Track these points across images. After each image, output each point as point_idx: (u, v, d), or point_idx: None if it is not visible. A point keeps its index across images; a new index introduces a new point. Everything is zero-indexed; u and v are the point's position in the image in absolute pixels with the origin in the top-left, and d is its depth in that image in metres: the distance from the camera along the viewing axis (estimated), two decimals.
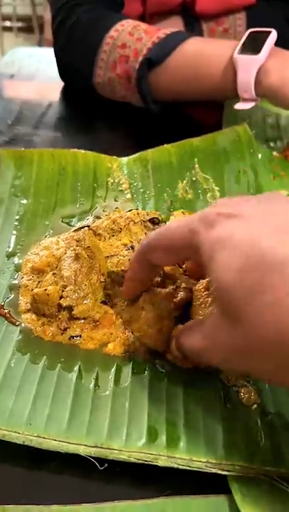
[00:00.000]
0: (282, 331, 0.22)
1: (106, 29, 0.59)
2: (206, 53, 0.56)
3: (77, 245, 0.37)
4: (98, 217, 0.43)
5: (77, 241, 0.37)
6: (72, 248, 0.37)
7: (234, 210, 0.26)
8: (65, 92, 0.70)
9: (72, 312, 0.34)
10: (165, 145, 0.49)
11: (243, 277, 0.23)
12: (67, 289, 0.35)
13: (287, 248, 0.23)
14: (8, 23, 3.28)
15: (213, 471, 0.27)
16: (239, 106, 0.54)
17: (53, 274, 0.36)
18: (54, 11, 0.65)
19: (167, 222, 0.42)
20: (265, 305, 0.22)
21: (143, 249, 0.31)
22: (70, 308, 0.34)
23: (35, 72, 0.77)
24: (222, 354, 0.26)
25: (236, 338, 0.24)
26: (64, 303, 0.34)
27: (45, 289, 0.34)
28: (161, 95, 0.59)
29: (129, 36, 0.58)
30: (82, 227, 0.40)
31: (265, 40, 0.52)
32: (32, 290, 0.36)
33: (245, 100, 0.54)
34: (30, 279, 0.38)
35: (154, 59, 0.56)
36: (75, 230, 0.41)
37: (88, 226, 0.41)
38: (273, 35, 0.52)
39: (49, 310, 0.35)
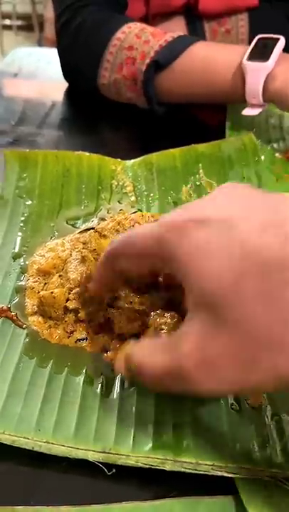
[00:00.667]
0: None
1: (112, 31, 0.60)
2: (214, 58, 0.56)
3: (83, 248, 0.37)
4: (103, 219, 0.44)
5: (84, 243, 0.37)
6: (77, 250, 0.37)
7: (204, 214, 0.24)
8: (68, 92, 0.70)
9: (78, 315, 0.34)
10: (170, 149, 0.49)
11: (240, 281, 0.22)
12: (73, 291, 0.35)
13: (283, 243, 0.21)
14: (7, 22, 3.27)
15: (220, 473, 0.27)
16: (247, 112, 0.55)
17: (59, 276, 0.36)
18: (59, 12, 0.65)
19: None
20: (274, 306, 0.21)
21: (108, 256, 0.29)
22: (76, 311, 0.35)
23: (36, 72, 0.77)
24: (218, 371, 0.23)
25: (237, 347, 0.22)
26: (70, 305, 0.34)
27: (52, 292, 0.35)
28: (167, 98, 0.60)
29: (137, 39, 0.58)
30: (88, 229, 0.41)
31: (273, 47, 0.52)
32: (38, 292, 0.36)
33: (253, 106, 0.55)
34: (36, 281, 0.38)
35: (162, 62, 0.56)
36: (80, 232, 0.41)
37: (93, 228, 0.41)
38: (282, 42, 0.53)
39: (56, 312, 0.35)
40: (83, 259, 0.36)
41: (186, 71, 0.57)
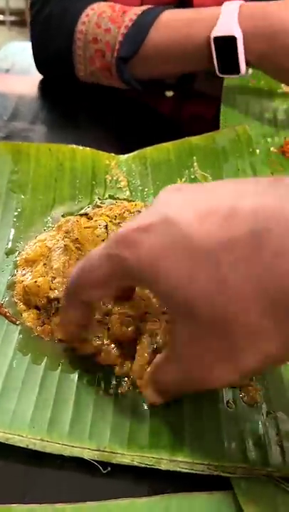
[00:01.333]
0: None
1: (74, 22, 0.59)
2: (178, 38, 0.56)
3: (65, 237, 0.36)
4: (98, 207, 0.43)
5: (66, 232, 0.37)
6: (60, 238, 0.37)
7: (147, 221, 0.24)
8: (62, 87, 0.69)
9: (59, 305, 0.34)
10: (164, 143, 0.49)
11: (193, 276, 0.22)
12: (55, 280, 0.34)
13: (222, 227, 0.22)
14: (1, 17, 3.25)
15: (215, 473, 0.27)
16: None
17: (44, 264, 0.36)
18: (31, 1, 0.64)
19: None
20: (231, 293, 0.21)
21: (70, 290, 0.29)
22: (58, 301, 0.34)
23: (29, 67, 0.76)
24: (211, 364, 0.24)
25: (217, 344, 0.23)
26: (52, 295, 0.34)
27: (35, 281, 0.34)
28: (147, 75, 0.61)
29: (97, 28, 0.58)
30: (82, 215, 0.40)
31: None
32: (22, 282, 0.36)
33: None
34: (24, 275, 0.37)
35: (127, 56, 0.56)
36: (76, 215, 0.41)
37: (87, 214, 0.40)
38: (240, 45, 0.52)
39: (40, 301, 0.34)
40: (65, 249, 0.35)
41: (153, 57, 0.57)
